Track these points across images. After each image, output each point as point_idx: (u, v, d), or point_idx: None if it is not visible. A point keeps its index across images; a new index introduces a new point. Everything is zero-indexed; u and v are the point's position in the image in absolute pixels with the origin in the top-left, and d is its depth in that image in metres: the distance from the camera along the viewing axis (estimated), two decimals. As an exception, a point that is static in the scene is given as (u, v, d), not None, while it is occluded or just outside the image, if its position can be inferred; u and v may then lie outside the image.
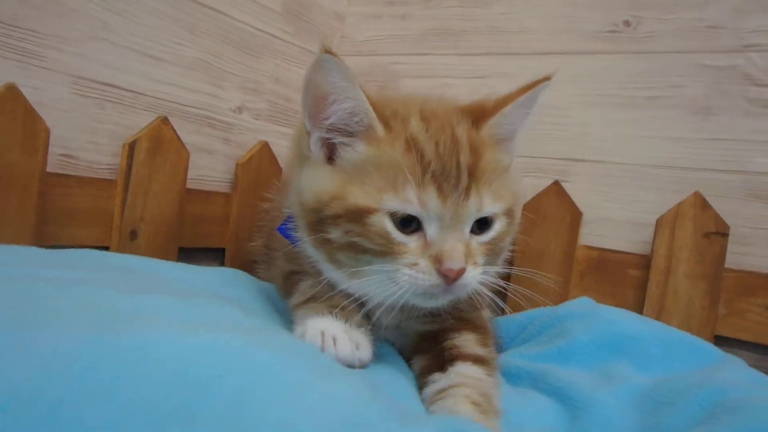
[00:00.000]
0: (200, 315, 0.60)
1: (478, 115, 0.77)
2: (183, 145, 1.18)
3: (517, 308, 1.11)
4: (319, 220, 0.73)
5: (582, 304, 1.09)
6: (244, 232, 1.33)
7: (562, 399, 0.85)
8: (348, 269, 0.74)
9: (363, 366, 0.72)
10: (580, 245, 1.26)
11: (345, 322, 0.74)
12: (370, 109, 0.71)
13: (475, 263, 0.73)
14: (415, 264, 0.70)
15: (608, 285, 1.23)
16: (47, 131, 0.95)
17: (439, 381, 0.75)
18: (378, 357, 0.76)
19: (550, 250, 1.27)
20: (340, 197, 0.71)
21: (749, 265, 1.12)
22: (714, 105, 1.17)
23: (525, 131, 0.82)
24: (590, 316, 1.04)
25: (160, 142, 1.13)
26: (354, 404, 0.50)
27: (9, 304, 0.55)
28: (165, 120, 1.14)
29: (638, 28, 1.25)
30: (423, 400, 0.74)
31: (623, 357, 0.95)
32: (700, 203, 1.13)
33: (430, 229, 0.71)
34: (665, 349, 0.95)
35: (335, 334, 0.70)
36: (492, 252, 0.76)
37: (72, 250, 0.84)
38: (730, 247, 1.11)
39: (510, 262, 1.26)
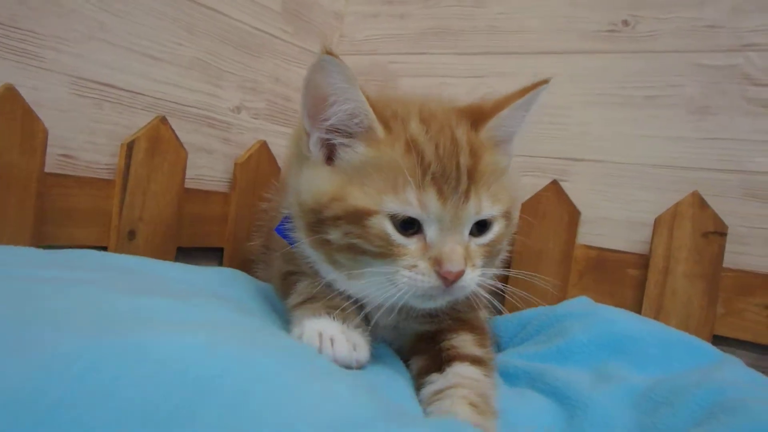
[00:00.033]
0: (198, 316, 0.60)
1: (477, 117, 0.77)
2: (181, 145, 1.18)
3: (514, 309, 1.11)
4: (318, 221, 0.73)
5: (581, 304, 1.09)
6: (242, 231, 1.33)
7: (560, 399, 0.85)
8: (347, 270, 0.74)
9: (360, 367, 0.72)
10: (579, 245, 1.26)
11: (342, 323, 0.74)
12: (370, 110, 0.71)
13: (474, 265, 0.73)
14: (415, 266, 0.70)
15: (607, 284, 1.23)
16: (45, 132, 0.95)
17: (436, 382, 0.75)
18: (375, 358, 0.76)
19: (549, 250, 1.27)
20: (339, 198, 0.71)
21: (747, 265, 1.12)
22: (712, 104, 1.17)
23: (523, 132, 0.82)
24: (589, 315, 1.04)
25: (158, 142, 1.13)
26: (351, 405, 0.50)
27: (8, 305, 0.55)
28: (163, 120, 1.14)
29: (637, 27, 1.25)
30: (420, 401, 0.74)
31: (622, 357, 0.95)
32: (699, 203, 1.13)
33: (430, 231, 0.71)
34: (664, 349, 0.95)
35: (333, 335, 0.70)
36: (490, 254, 0.76)
37: (70, 250, 0.84)
38: (728, 247, 1.11)
39: (508, 263, 1.26)
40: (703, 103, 1.18)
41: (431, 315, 0.83)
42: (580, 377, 0.89)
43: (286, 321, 0.82)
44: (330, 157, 0.76)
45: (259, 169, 1.38)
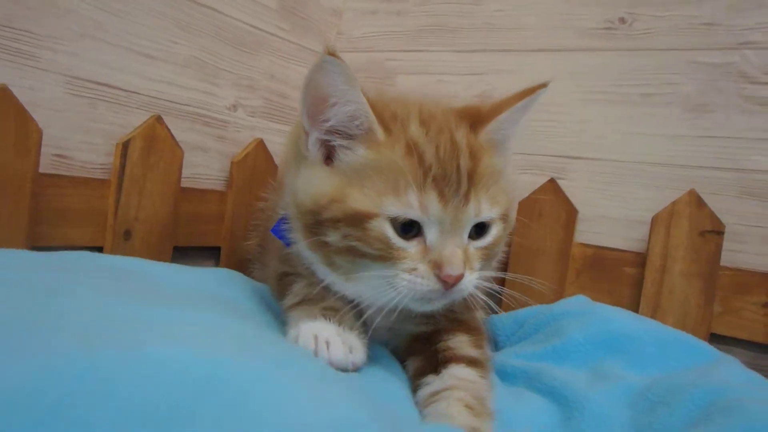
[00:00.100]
0: (192, 322, 0.60)
1: (476, 119, 0.77)
2: (177, 144, 1.17)
3: (510, 309, 1.11)
4: (317, 222, 0.72)
5: (578, 302, 1.09)
6: (239, 230, 1.33)
7: (557, 399, 0.85)
8: (344, 273, 0.74)
9: (356, 369, 0.71)
10: (576, 243, 1.26)
11: (338, 325, 0.73)
12: (371, 112, 0.71)
13: (472, 268, 0.73)
14: (414, 269, 0.70)
15: (604, 283, 1.23)
16: (39, 132, 0.95)
17: (432, 383, 0.75)
18: (372, 359, 0.76)
19: (546, 248, 1.27)
20: (339, 200, 0.71)
21: (744, 263, 1.12)
22: (709, 102, 1.17)
23: (520, 133, 0.81)
24: (586, 314, 1.04)
25: (154, 141, 1.13)
26: (344, 412, 0.50)
27: (5, 309, 0.55)
28: (159, 119, 1.14)
29: (634, 25, 1.25)
30: (417, 403, 0.74)
31: (619, 356, 0.95)
32: (696, 201, 1.13)
33: (430, 234, 0.70)
34: (661, 348, 0.95)
35: (328, 338, 0.70)
36: (488, 257, 0.77)
37: (65, 252, 0.84)
38: (724, 245, 1.11)
39: (505, 262, 1.27)
40: (699, 101, 1.18)
41: (427, 316, 0.82)
42: (577, 377, 0.89)
43: (281, 322, 0.82)
44: (329, 157, 0.75)
45: (255, 167, 1.38)
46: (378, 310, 0.73)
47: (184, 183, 1.22)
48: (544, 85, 0.77)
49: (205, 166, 1.31)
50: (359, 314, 0.77)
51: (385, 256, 0.70)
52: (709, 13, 1.18)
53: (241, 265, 1.21)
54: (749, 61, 1.14)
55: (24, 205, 0.94)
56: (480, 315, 0.93)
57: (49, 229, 1.00)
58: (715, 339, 1.11)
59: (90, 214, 1.06)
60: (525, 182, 1.32)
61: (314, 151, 0.75)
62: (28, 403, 0.41)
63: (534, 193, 1.29)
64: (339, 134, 0.73)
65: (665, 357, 0.94)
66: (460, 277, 0.69)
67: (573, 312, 1.05)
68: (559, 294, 1.23)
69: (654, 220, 1.16)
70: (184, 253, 1.27)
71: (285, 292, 0.85)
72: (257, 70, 1.41)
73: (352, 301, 0.77)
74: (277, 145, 1.42)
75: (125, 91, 1.13)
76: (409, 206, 0.69)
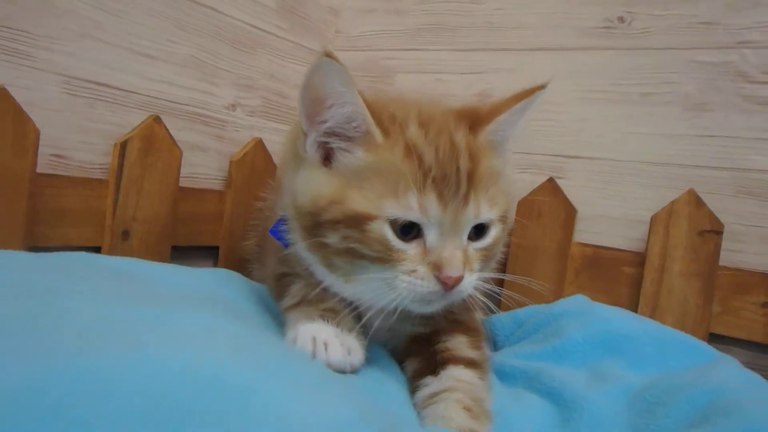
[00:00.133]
0: (188, 324, 0.60)
1: (474, 120, 0.77)
2: (175, 144, 1.17)
3: (509, 309, 1.11)
4: (316, 224, 0.72)
5: (577, 302, 1.09)
6: (238, 229, 1.33)
7: (556, 399, 0.85)
8: (344, 274, 0.73)
9: (354, 371, 0.71)
10: (575, 242, 1.26)
11: (337, 326, 0.73)
12: (368, 114, 0.70)
13: (472, 270, 0.73)
14: (414, 271, 0.70)
15: (603, 282, 1.23)
16: (37, 132, 0.95)
17: (431, 385, 0.75)
18: (370, 361, 0.76)
19: (545, 248, 1.27)
20: (338, 202, 0.70)
21: (742, 263, 1.12)
22: (708, 101, 1.17)
23: (518, 134, 0.81)
24: (585, 314, 1.04)
25: (152, 141, 1.13)
26: (343, 416, 0.49)
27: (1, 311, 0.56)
28: (157, 119, 1.13)
29: (632, 24, 1.25)
30: (415, 405, 0.74)
31: (617, 356, 0.95)
32: (695, 201, 1.13)
33: (430, 235, 0.70)
34: (659, 348, 0.95)
35: (326, 340, 0.70)
36: (487, 258, 0.76)
37: (63, 253, 0.84)
38: (723, 245, 1.11)
39: (504, 262, 1.27)
40: (698, 100, 1.18)
41: (426, 317, 0.82)
42: (576, 377, 0.89)
43: (279, 323, 0.82)
44: (327, 158, 0.75)
45: (254, 166, 1.38)
46: (377, 311, 0.73)
47: (183, 183, 1.22)
48: (542, 87, 0.77)
49: (203, 166, 1.31)
50: (358, 316, 0.77)
51: (385, 258, 0.70)
52: (707, 12, 1.17)
53: (240, 264, 1.21)
54: (748, 60, 1.14)
55: (21, 206, 0.94)
56: (479, 316, 0.93)
57: (47, 229, 1.00)
58: (714, 339, 1.11)
59: (88, 214, 1.06)
60: (524, 181, 1.32)
61: (312, 152, 0.74)
62: (28, 403, 0.41)
63: (532, 192, 1.29)
64: (337, 136, 0.73)
65: (664, 357, 0.94)
66: (459, 279, 0.69)
67: (572, 312, 1.05)
68: (558, 294, 1.23)
69: (653, 220, 1.16)
70: (182, 253, 1.26)
71: (283, 292, 0.85)
72: (256, 70, 1.41)
73: (351, 303, 0.77)
74: (276, 145, 1.42)
75: (123, 90, 1.12)
76: (409, 208, 0.68)
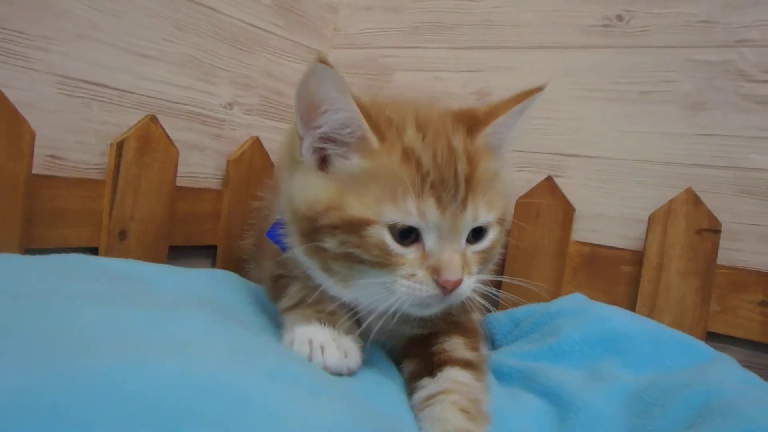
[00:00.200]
0: (184, 327, 0.60)
1: (472, 123, 0.77)
2: (172, 143, 1.17)
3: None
4: (314, 229, 0.72)
5: (574, 301, 1.09)
6: (235, 228, 1.33)
7: (553, 400, 0.85)
8: (342, 278, 0.73)
9: (351, 373, 0.71)
10: (573, 241, 1.26)
11: (334, 329, 0.73)
12: (363, 120, 0.70)
13: (470, 273, 0.73)
14: (413, 275, 0.70)
15: (601, 281, 1.23)
16: (32, 133, 0.94)
17: (428, 386, 0.75)
18: (367, 362, 0.76)
19: (543, 246, 1.27)
20: (336, 207, 0.70)
21: (740, 262, 1.12)
22: (706, 100, 1.17)
23: (516, 136, 0.81)
24: (582, 313, 1.04)
25: (148, 141, 1.12)
26: (341, 421, 0.49)
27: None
28: (153, 119, 1.13)
29: (631, 22, 1.24)
30: (412, 406, 0.74)
31: (615, 355, 0.95)
32: (693, 200, 1.12)
33: (429, 239, 0.70)
34: (656, 347, 0.95)
35: (323, 343, 0.70)
36: (485, 260, 0.76)
37: (59, 255, 0.83)
38: (721, 243, 1.11)
39: (502, 262, 1.26)
40: (697, 98, 1.18)
41: (425, 319, 0.82)
42: (573, 377, 0.89)
43: (276, 324, 0.82)
44: (324, 161, 0.75)
45: (252, 165, 1.38)
46: (376, 315, 0.73)
47: (180, 182, 1.21)
48: (540, 89, 0.77)
49: (201, 165, 1.31)
50: (357, 319, 0.77)
51: (383, 263, 0.69)
52: (706, 11, 1.17)
53: (238, 264, 1.21)
54: (746, 59, 1.13)
55: (18, 207, 0.94)
56: (477, 317, 0.93)
57: (43, 230, 1.00)
58: (712, 337, 1.11)
59: (85, 214, 1.06)
60: (521, 180, 1.31)
61: (308, 156, 0.74)
62: (27, 403, 0.41)
63: (530, 191, 1.28)
64: (332, 141, 0.73)
65: (661, 356, 0.94)
66: (458, 282, 0.69)
67: (570, 311, 1.05)
68: (555, 293, 1.23)
69: (651, 219, 1.16)
70: (180, 253, 1.26)
71: (280, 294, 0.85)
72: (253, 68, 1.40)
73: (349, 306, 0.77)
74: (274, 143, 1.42)
75: (120, 90, 1.12)
76: (408, 213, 0.68)
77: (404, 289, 0.69)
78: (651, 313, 1.14)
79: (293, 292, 0.82)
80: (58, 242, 1.02)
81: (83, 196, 1.05)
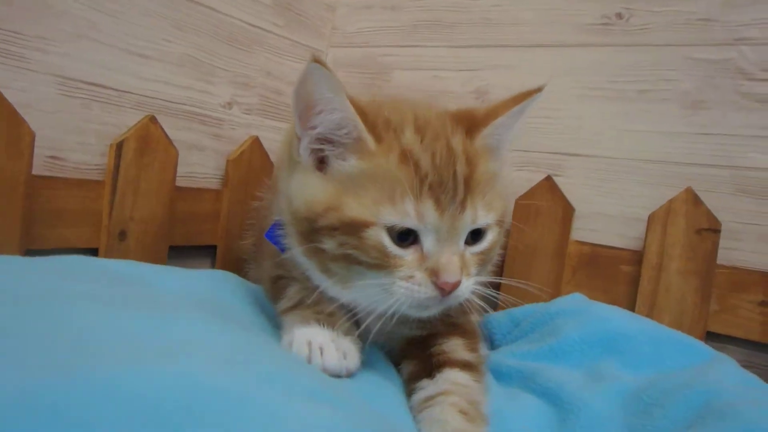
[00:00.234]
0: (183, 333, 0.60)
1: (470, 124, 0.76)
2: (171, 144, 1.17)
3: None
4: (313, 230, 0.72)
5: (574, 301, 1.09)
6: (235, 228, 1.33)
7: (552, 400, 0.85)
8: (340, 279, 0.73)
9: (350, 375, 0.71)
10: (572, 240, 1.26)
11: (332, 330, 0.73)
12: (359, 121, 0.70)
13: (469, 274, 0.73)
14: (412, 277, 0.70)
15: (600, 280, 1.23)
16: (32, 135, 0.94)
17: (427, 388, 0.75)
18: (366, 364, 0.76)
19: (543, 246, 1.27)
20: (334, 208, 0.70)
21: (739, 261, 1.12)
22: (706, 99, 1.16)
23: (515, 137, 0.81)
24: (582, 313, 1.04)
25: (148, 142, 1.12)
26: (338, 425, 0.50)
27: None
28: (153, 119, 1.13)
29: (630, 20, 1.24)
30: (411, 408, 0.74)
31: (614, 355, 0.95)
32: (692, 199, 1.12)
33: (427, 241, 0.70)
34: (656, 347, 0.95)
35: (322, 344, 0.70)
36: (484, 261, 0.76)
37: (60, 257, 0.83)
38: (721, 243, 1.11)
39: (501, 262, 1.26)
40: (696, 97, 1.17)
41: (423, 320, 0.82)
42: (573, 377, 0.89)
43: (275, 325, 0.82)
44: (322, 162, 0.74)
45: (251, 165, 1.38)
46: (375, 316, 0.73)
47: (180, 182, 1.21)
48: (539, 89, 0.77)
49: (200, 165, 1.31)
50: (356, 320, 0.77)
51: (382, 264, 0.69)
52: (706, 9, 1.17)
53: (238, 263, 1.21)
54: (746, 57, 1.13)
55: (17, 208, 0.94)
56: (475, 318, 0.93)
57: (44, 231, 1.00)
58: (711, 337, 1.11)
59: (85, 215, 1.06)
60: (521, 179, 1.31)
61: (305, 156, 0.74)
62: (26, 404, 0.41)
63: (530, 190, 1.28)
64: (329, 142, 0.73)
65: (661, 356, 0.94)
66: (457, 284, 0.69)
67: (569, 310, 1.05)
68: (555, 292, 1.23)
69: (651, 218, 1.16)
70: (180, 253, 1.26)
71: (279, 295, 0.85)
72: (252, 67, 1.40)
73: (348, 307, 0.77)
74: (273, 142, 1.42)
75: (119, 91, 1.12)
76: (406, 215, 0.68)
77: (403, 290, 0.69)
78: (650, 312, 1.14)
79: (292, 293, 0.83)
80: (58, 243, 1.02)
81: (83, 196, 1.05)
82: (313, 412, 0.50)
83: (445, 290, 0.69)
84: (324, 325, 0.74)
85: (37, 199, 0.98)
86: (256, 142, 1.38)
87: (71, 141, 1.06)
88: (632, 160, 1.23)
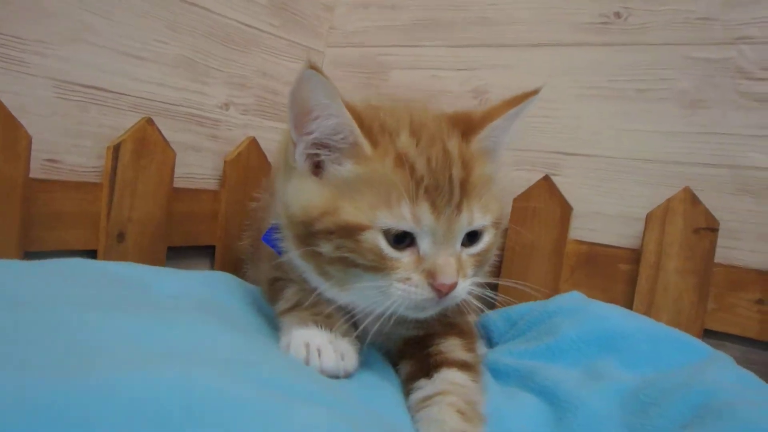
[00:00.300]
0: (181, 336, 0.60)
1: (467, 126, 0.76)
2: (168, 145, 1.17)
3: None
4: (309, 234, 0.72)
5: (572, 299, 1.09)
6: (233, 229, 1.33)
7: (549, 399, 0.85)
8: (337, 282, 0.73)
9: (348, 376, 0.72)
10: (571, 239, 1.26)
11: (330, 331, 0.74)
12: (355, 126, 0.70)
13: (465, 276, 0.73)
14: (408, 278, 0.70)
15: (598, 279, 1.23)
16: (29, 138, 0.94)
17: (424, 388, 0.75)
18: (364, 364, 0.76)
19: (541, 245, 1.27)
20: (330, 213, 0.70)
21: (737, 260, 1.12)
22: (705, 98, 1.16)
23: (511, 139, 0.81)
24: (580, 311, 1.04)
25: (145, 144, 1.12)
26: (337, 428, 0.50)
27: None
28: (149, 121, 1.13)
29: (629, 19, 1.24)
30: (409, 408, 0.74)
31: (612, 354, 0.95)
32: (690, 199, 1.12)
33: (423, 244, 0.70)
34: (654, 346, 0.95)
35: (319, 346, 0.70)
36: (481, 263, 0.76)
37: (59, 260, 0.83)
38: (719, 242, 1.11)
39: (499, 261, 1.26)
40: (695, 96, 1.17)
41: (420, 321, 0.82)
42: (571, 375, 0.89)
43: (274, 326, 0.82)
44: (318, 166, 0.74)
45: (248, 165, 1.38)
46: (373, 318, 0.73)
47: (178, 183, 1.22)
48: (536, 92, 0.77)
49: (198, 166, 1.31)
50: (353, 322, 0.77)
51: (379, 267, 0.69)
52: (704, 8, 1.16)
53: (236, 264, 1.21)
54: (745, 56, 1.13)
55: (16, 211, 0.94)
56: (472, 318, 0.93)
57: (42, 233, 1.00)
58: (709, 335, 1.11)
59: (83, 217, 1.06)
60: (519, 178, 1.31)
61: (301, 162, 0.74)
62: (25, 405, 0.41)
63: (527, 190, 1.28)
64: (325, 147, 0.73)
65: (658, 355, 0.94)
66: (453, 286, 0.70)
67: (567, 309, 1.05)
68: (553, 291, 1.23)
69: (649, 217, 1.16)
70: (178, 253, 1.26)
71: (277, 296, 0.85)
72: (249, 68, 1.40)
73: (345, 309, 0.77)
74: (270, 143, 1.42)
75: (115, 93, 1.12)
76: (402, 218, 0.68)
77: (400, 292, 0.70)
78: (648, 311, 1.14)
79: (290, 294, 0.83)
80: (57, 245, 1.02)
81: (81, 198, 1.05)
82: (312, 413, 0.51)
83: (442, 292, 0.69)
84: (322, 327, 0.74)
85: (35, 202, 0.98)
86: (253, 142, 1.38)
87: (68, 144, 1.06)
88: (631, 160, 1.23)
